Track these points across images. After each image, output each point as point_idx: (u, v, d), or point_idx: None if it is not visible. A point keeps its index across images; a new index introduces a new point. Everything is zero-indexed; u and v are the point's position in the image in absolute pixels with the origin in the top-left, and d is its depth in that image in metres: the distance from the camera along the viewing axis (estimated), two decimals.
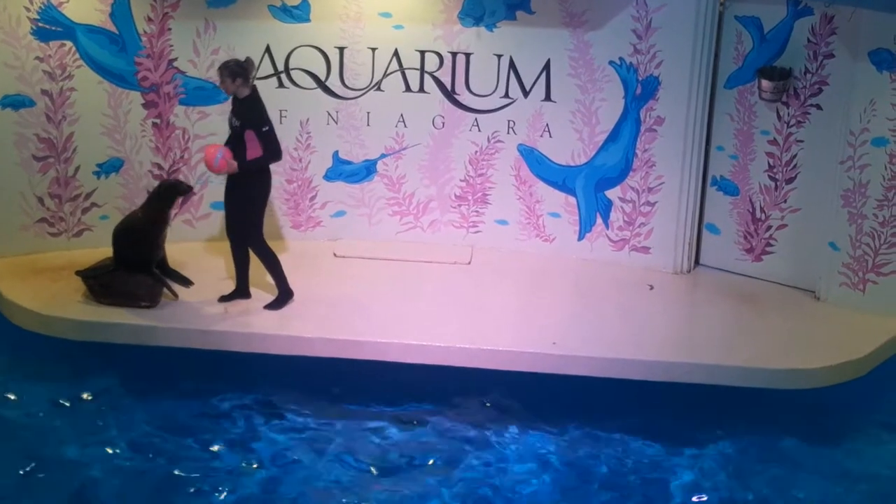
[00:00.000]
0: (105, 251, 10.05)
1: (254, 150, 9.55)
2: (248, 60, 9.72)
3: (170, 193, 9.95)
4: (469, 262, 10.81)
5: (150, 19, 10.36)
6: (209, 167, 9.57)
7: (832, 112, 10.11)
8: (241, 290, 10.02)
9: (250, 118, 9.58)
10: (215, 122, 10.66)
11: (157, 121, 10.60)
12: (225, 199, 9.81)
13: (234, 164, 9.50)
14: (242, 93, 9.62)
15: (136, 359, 9.67)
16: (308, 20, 10.56)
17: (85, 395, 9.47)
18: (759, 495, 8.78)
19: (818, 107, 10.16)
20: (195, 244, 10.80)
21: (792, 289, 10.61)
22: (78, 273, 9.85)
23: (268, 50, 10.59)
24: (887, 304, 10.07)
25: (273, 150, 9.64)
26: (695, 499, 8.74)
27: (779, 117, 10.33)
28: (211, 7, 10.42)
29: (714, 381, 9.42)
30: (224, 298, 9.97)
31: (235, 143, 9.60)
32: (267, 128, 9.60)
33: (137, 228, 9.89)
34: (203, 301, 9.86)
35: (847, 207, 10.11)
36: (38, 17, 10.09)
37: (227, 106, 10.56)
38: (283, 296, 9.94)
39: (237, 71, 9.55)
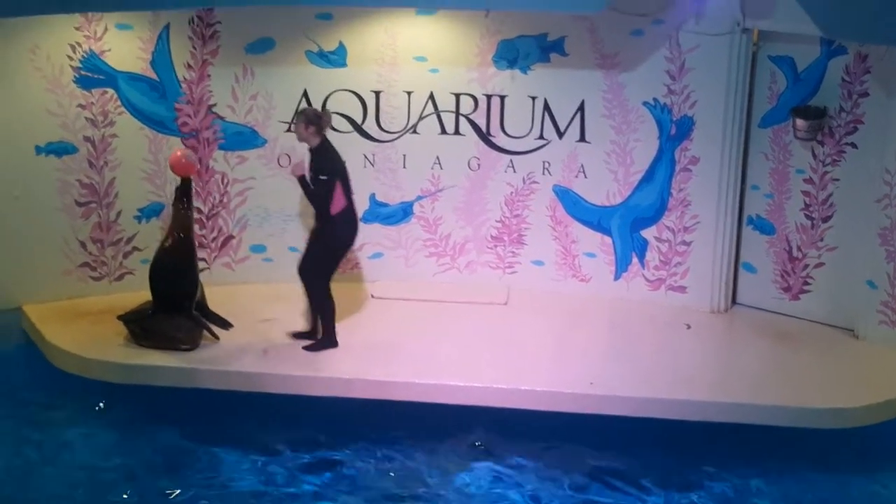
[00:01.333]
0: (146, 295, 10.11)
1: (338, 200, 9.73)
2: (326, 112, 9.96)
3: (184, 186, 9.91)
4: (506, 303, 10.85)
5: (189, 66, 10.55)
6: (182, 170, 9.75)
7: (867, 150, 10.12)
8: (331, 338, 10.08)
9: (317, 166, 9.74)
10: (254, 166, 10.85)
11: (197, 166, 10.79)
12: (308, 240, 9.97)
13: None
14: (312, 142, 9.77)
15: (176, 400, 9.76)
16: (345, 65, 10.72)
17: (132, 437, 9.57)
18: None
19: (853, 145, 10.17)
20: (234, 287, 10.90)
21: (830, 327, 10.57)
22: (119, 318, 9.98)
23: (305, 94, 10.75)
24: None
25: (323, 201, 9.69)
26: None
27: (814, 156, 10.35)
28: (249, 53, 10.60)
29: (752, 421, 9.38)
30: (310, 348, 10.02)
31: (319, 192, 9.75)
32: (326, 177, 9.68)
33: (169, 248, 9.91)
34: (242, 343, 9.93)
35: (884, 245, 10.08)
36: (80, 65, 10.30)
37: (265, 150, 10.89)
38: (327, 342, 9.99)
39: (312, 119, 9.71)
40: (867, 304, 10.29)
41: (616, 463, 9.36)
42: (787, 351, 10.20)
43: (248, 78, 10.65)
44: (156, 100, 10.57)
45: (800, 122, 10.21)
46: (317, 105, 10.71)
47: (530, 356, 9.96)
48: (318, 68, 10.71)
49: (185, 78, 10.56)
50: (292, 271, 10.77)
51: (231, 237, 10.95)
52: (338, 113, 10.78)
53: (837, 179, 10.31)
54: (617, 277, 10.99)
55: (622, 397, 9.48)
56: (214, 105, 10.67)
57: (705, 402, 9.46)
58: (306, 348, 9.95)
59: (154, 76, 10.53)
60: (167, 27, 10.42)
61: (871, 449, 9.54)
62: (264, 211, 10.96)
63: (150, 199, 10.73)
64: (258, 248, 11.01)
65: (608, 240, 10.92)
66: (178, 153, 9.89)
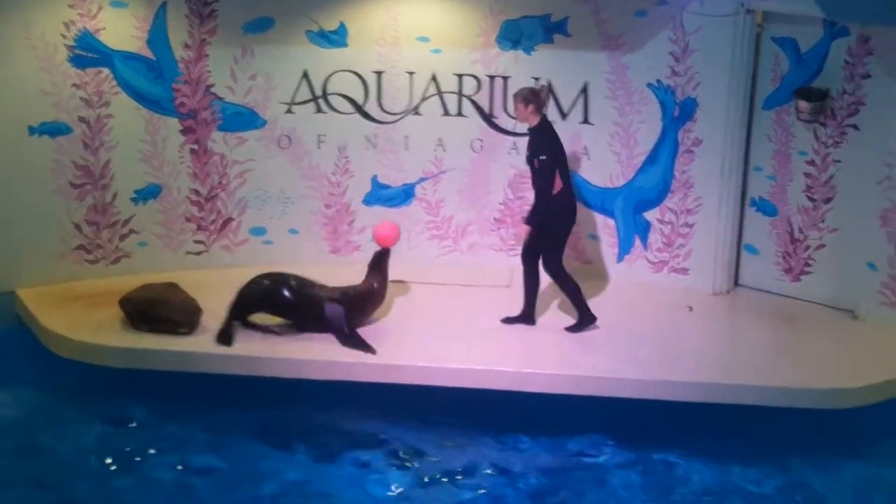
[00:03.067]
0: (143, 278, 10.06)
1: (556, 182, 9.63)
2: (543, 88, 9.81)
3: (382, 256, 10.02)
4: (509, 286, 10.76)
5: (187, 45, 10.40)
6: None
7: (870, 132, 10.14)
8: (527, 316, 10.05)
9: (535, 147, 9.63)
10: (253, 147, 10.74)
11: (195, 147, 10.62)
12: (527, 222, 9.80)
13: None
14: (532, 121, 9.67)
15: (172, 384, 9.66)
16: (346, 45, 10.61)
17: (128, 422, 9.46)
18: None
19: (855, 127, 10.20)
20: (234, 270, 10.68)
21: (831, 309, 10.62)
22: (120, 301, 9.82)
23: (305, 75, 10.64)
24: None
25: (543, 181, 9.54)
26: None
27: (816, 138, 10.37)
28: (248, 33, 10.47)
29: (755, 402, 9.41)
30: (508, 321, 10.03)
31: (533, 175, 9.66)
32: (545, 157, 9.54)
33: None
34: (242, 327, 9.84)
35: (885, 227, 10.14)
36: (74, 44, 10.13)
37: (264, 131, 10.77)
38: (585, 319, 9.95)
39: (529, 97, 9.60)
40: (868, 286, 10.33)
41: (619, 444, 9.35)
42: (789, 332, 10.24)
43: (248, 58, 10.52)
44: (152, 80, 10.41)
45: (802, 104, 10.22)
46: (317, 85, 10.63)
47: (533, 339, 9.93)
48: (319, 48, 10.59)
49: (182, 58, 10.41)
50: (292, 254, 10.86)
51: (230, 219, 10.83)
52: (339, 94, 10.70)
53: (839, 161, 10.33)
54: (620, 259, 10.98)
55: (625, 379, 9.45)
56: (213, 85, 10.52)
57: (708, 383, 9.47)
58: (568, 328, 9.92)
59: (150, 55, 10.37)
60: (164, 5, 10.26)
61: (870, 429, 9.59)
62: (264, 193, 10.85)
63: (147, 180, 10.58)
64: (258, 231, 10.89)
65: (611, 222, 10.91)
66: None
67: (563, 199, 9.73)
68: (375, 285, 9.93)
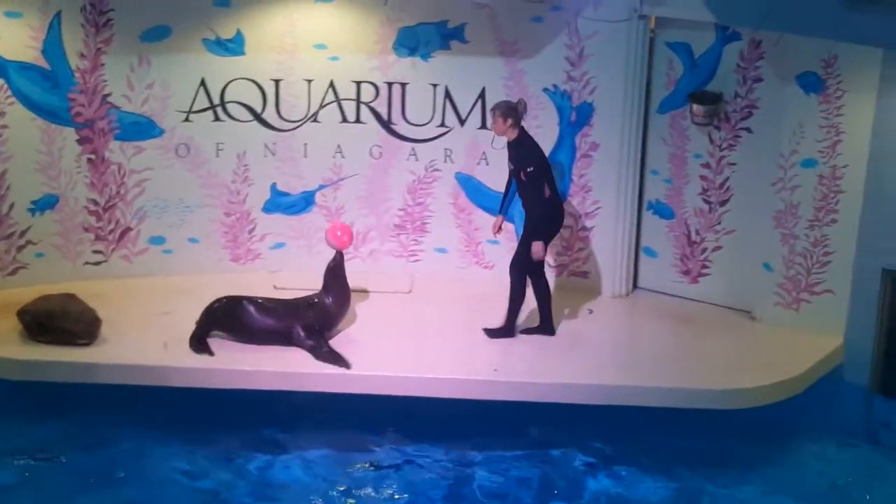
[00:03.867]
0: (41, 289, 9.95)
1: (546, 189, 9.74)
2: (521, 102, 9.81)
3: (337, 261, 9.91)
4: (409, 291, 10.83)
5: (82, 55, 10.30)
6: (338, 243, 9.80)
7: (762, 135, 10.31)
8: (546, 327, 10.07)
9: (520, 159, 9.68)
10: (151, 156, 10.66)
11: (93, 156, 10.53)
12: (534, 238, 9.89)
13: None
14: (511, 135, 9.74)
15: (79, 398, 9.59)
16: (243, 53, 10.57)
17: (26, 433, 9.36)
18: None
19: (749, 130, 10.36)
20: (134, 280, 10.71)
21: (728, 309, 10.77)
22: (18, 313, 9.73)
23: (203, 83, 10.59)
24: (820, 323, 10.24)
25: (534, 194, 9.67)
26: None
27: (711, 141, 10.51)
28: (145, 42, 10.39)
29: (654, 404, 9.52)
30: (527, 331, 10.04)
31: (521, 188, 9.72)
32: (532, 169, 9.62)
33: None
34: (142, 337, 9.77)
35: (779, 228, 10.29)
36: None
37: (162, 140, 10.70)
38: (507, 330, 9.99)
39: (508, 112, 9.65)
40: (763, 287, 10.49)
41: (517, 448, 9.44)
42: (688, 334, 10.37)
43: (144, 67, 10.44)
44: (48, 90, 10.30)
45: (696, 108, 10.35)
46: (215, 94, 10.58)
47: (435, 344, 9.96)
48: (216, 56, 10.54)
49: (78, 67, 10.31)
50: (192, 262, 10.81)
51: (129, 229, 10.74)
52: (237, 102, 10.66)
53: (734, 164, 10.49)
54: None
55: (527, 383, 9.54)
56: (109, 95, 10.44)
57: (608, 385, 9.57)
58: (487, 330, 9.96)
59: (46, 65, 10.25)
60: (58, 15, 10.15)
61: (768, 428, 9.72)
62: (163, 202, 10.76)
63: (43, 190, 10.46)
64: (157, 240, 10.82)
65: (510, 226, 10.93)
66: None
67: (550, 205, 9.84)
68: (337, 294, 9.86)
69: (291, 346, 9.70)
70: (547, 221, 9.87)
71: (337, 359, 9.56)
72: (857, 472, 9.35)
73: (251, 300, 9.78)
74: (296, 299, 9.88)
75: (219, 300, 9.80)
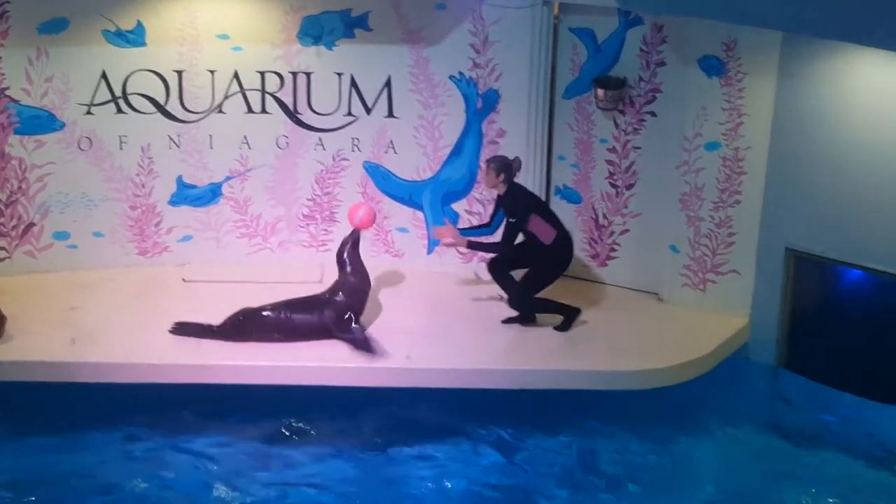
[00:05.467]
0: None
1: (547, 231, 9.87)
2: (516, 160, 9.95)
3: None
4: (320, 281, 10.72)
5: None
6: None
7: (666, 118, 10.40)
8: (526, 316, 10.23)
9: (508, 211, 9.91)
10: (53, 150, 10.50)
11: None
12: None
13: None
14: (501, 189, 9.87)
15: None
16: (144, 44, 10.42)
17: None
18: (620, 493, 9.04)
19: (653, 114, 10.45)
20: (38, 276, 10.57)
21: (637, 292, 10.88)
22: None
23: (104, 76, 10.43)
24: (726, 302, 10.40)
25: (502, 242, 9.87)
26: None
27: (616, 125, 10.59)
28: (43, 34, 10.20)
29: (565, 386, 9.63)
30: (560, 328, 10.13)
31: (505, 236, 9.85)
32: (514, 220, 9.84)
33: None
34: (48, 333, 9.66)
35: (685, 211, 10.41)
36: None
37: (63, 134, 10.52)
38: (570, 318, 10.15)
39: (501, 168, 9.83)
40: (670, 268, 10.61)
41: (429, 434, 9.53)
42: (597, 316, 10.42)
43: (43, 59, 10.25)
44: None
45: (601, 93, 10.41)
46: (116, 86, 10.42)
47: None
48: (117, 48, 10.39)
49: None
50: (98, 257, 10.68)
51: (32, 224, 10.57)
52: (139, 94, 10.52)
53: (639, 148, 10.58)
54: (430, 251, 11.04)
55: (439, 369, 9.60)
56: (7, 88, 10.24)
57: (519, 369, 9.69)
58: (557, 328, 10.12)
59: None
60: None
61: (677, 407, 9.86)
62: (66, 196, 10.61)
63: None
64: (61, 235, 10.66)
65: (420, 214, 10.96)
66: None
67: (559, 246, 9.97)
68: (359, 274, 9.92)
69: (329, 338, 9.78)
70: (556, 258, 10.00)
71: (370, 348, 9.66)
72: (759, 448, 9.52)
73: (273, 307, 9.84)
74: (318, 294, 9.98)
75: (237, 314, 9.83)
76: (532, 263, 10.05)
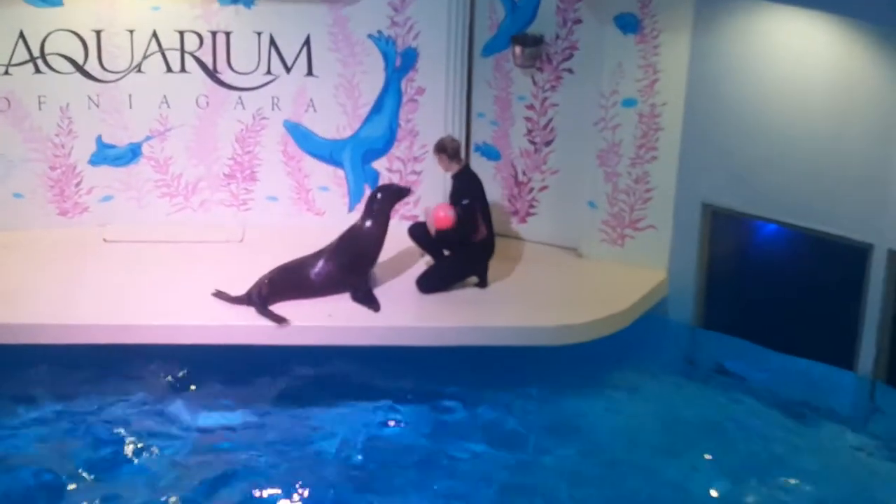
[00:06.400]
0: None
1: (481, 228, 10.11)
2: (447, 137, 10.29)
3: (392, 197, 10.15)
4: (241, 240, 10.82)
5: None
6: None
7: (584, 76, 10.49)
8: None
9: (457, 192, 10.08)
10: None
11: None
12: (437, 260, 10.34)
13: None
14: (452, 168, 10.16)
15: None
16: (61, 4, 10.34)
17: None
18: (538, 448, 9.12)
19: (570, 71, 10.54)
20: None
21: (556, 248, 10.98)
22: None
23: (21, 35, 10.35)
24: (644, 257, 10.56)
25: (466, 227, 9.98)
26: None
27: (534, 83, 10.66)
28: None
29: (481, 342, 9.78)
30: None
31: (465, 219, 9.96)
32: (467, 202, 9.96)
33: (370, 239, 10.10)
34: None
35: (603, 167, 10.53)
36: None
37: None
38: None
39: (437, 148, 10.13)
40: (589, 224, 10.74)
41: (353, 391, 9.61)
42: (517, 272, 10.56)
43: None
44: None
45: (518, 50, 10.47)
46: (34, 46, 10.34)
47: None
48: (34, 8, 10.30)
49: None
50: (18, 218, 10.68)
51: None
52: (58, 54, 10.46)
53: (557, 105, 10.66)
54: (351, 209, 11.04)
55: (360, 327, 9.72)
56: None
57: (442, 327, 9.80)
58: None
59: None
60: None
61: (597, 362, 10.01)
62: None
63: None
64: None
65: (340, 172, 11.00)
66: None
67: (482, 247, 10.16)
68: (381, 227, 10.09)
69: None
70: (476, 258, 10.16)
71: (371, 301, 9.87)
72: (674, 402, 9.68)
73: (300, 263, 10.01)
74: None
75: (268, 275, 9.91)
76: (451, 248, 10.19)
